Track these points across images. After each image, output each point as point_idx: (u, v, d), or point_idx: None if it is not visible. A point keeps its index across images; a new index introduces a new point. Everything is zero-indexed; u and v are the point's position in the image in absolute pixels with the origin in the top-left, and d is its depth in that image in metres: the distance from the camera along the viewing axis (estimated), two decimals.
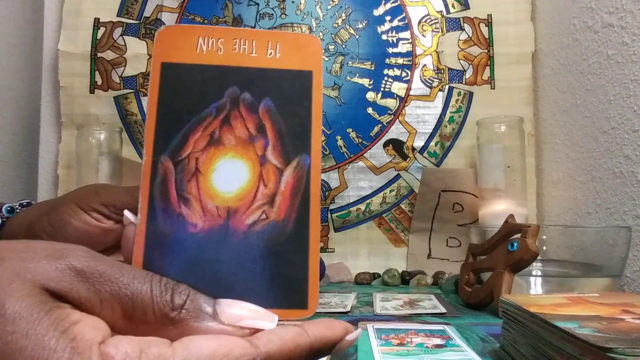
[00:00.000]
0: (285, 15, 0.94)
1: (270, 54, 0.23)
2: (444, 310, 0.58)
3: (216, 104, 0.23)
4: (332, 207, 0.91)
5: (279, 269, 0.22)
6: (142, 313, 0.19)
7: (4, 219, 0.40)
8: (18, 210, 0.41)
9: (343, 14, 0.94)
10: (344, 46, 0.93)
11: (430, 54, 0.93)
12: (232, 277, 0.22)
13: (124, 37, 0.94)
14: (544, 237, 0.64)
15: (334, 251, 0.91)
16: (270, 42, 0.23)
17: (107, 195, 0.34)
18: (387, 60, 0.93)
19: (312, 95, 0.22)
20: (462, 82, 0.92)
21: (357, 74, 0.93)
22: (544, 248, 0.63)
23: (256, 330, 0.21)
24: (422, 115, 0.92)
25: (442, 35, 0.93)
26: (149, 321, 0.19)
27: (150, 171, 0.24)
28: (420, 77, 0.93)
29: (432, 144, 0.92)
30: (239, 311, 0.21)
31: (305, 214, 0.22)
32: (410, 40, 0.93)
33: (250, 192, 0.22)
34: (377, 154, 0.92)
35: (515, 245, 0.55)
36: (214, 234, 0.22)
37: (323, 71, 0.23)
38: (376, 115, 0.92)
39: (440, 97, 0.92)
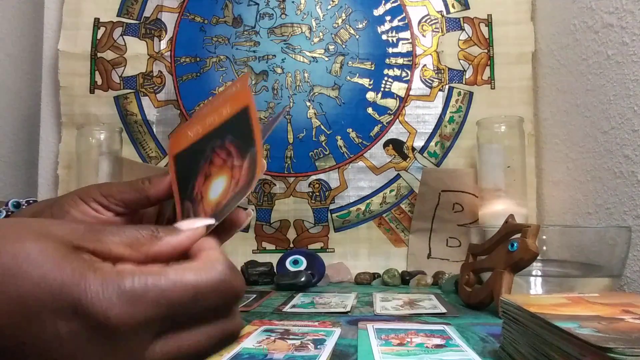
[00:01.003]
0: (285, 15, 0.94)
1: (225, 110, 0.34)
2: (444, 310, 0.58)
3: (203, 157, 0.34)
4: (332, 207, 0.91)
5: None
6: (136, 240, 0.27)
7: (9, 213, 0.41)
8: (24, 206, 0.42)
9: (343, 14, 0.94)
10: (344, 46, 0.93)
11: (430, 54, 0.93)
12: None
13: (124, 37, 0.94)
14: (544, 237, 0.64)
15: (334, 251, 0.91)
16: (222, 101, 0.34)
17: (107, 187, 0.37)
18: (387, 60, 0.93)
19: (250, 117, 0.32)
20: (462, 82, 0.92)
21: (357, 74, 0.93)
22: (544, 248, 0.63)
23: (205, 228, 0.30)
24: (422, 115, 0.92)
25: (442, 35, 0.93)
26: (144, 244, 0.27)
27: (180, 208, 0.35)
28: (420, 77, 0.93)
29: (432, 144, 0.92)
30: (191, 222, 0.30)
31: (250, 178, 0.31)
32: (410, 40, 0.93)
33: (227, 189, 0.32)
34: (377, 154, 0.92)
35: (515, 245, 0.55)
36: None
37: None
38: (376, 115, 0.92)
39: (440, 97, 0.92)
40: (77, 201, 0.36)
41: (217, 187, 0.32)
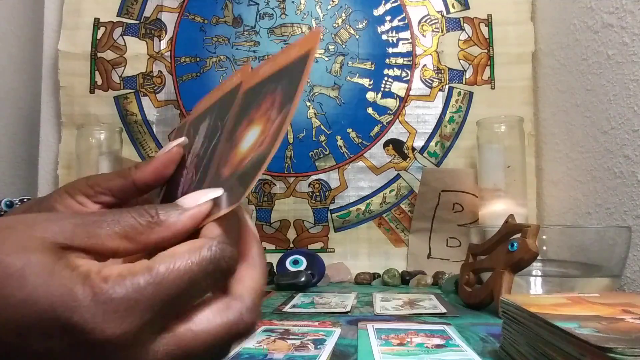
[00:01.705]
0: (285, 15, 0.94)
1: (291, 54, 0.31)
2: (444, 310, 0.58)
3: (258, 100, 0.31)
4: (332, 207, 0.91)
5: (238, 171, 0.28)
6: (132, 229, 0.25)
7: (2, 212, 0.41)
8: (17, 205, 0.42)
9: (343, 14, 0.94)
10: (344, 46, 0.93)
11: (430, 54, 0.93)
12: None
13: (124, 37, 0.94)
14: (544, 237, 0.64)
15: (334, 251, 0.91)
16: (291, 49, 0.31)
17: (94, 177, 0.36)
18: (387, 60, 0.93)
19: (305, 66, 0.28)
20: (462, 82, 0.92)
21: (357, 74, 0.93)
22: (544, 248, 0.63)
23: (214, 203, 0.27)
24: (422, 115, 0.92)
25: (442, 35, 0.93)
26: (141, 232, 0.25)
27: (217, 147, 0.32)
28: (420, 77, 0.93)
29: (432, 144, 0.92)
30: (194, 197, 0.27)
31: (274, 139, 0.27)
32: (410, 40, 0.93)
33: (255, 144, 0.28)
34: (377, 154, 0.92)
35: (515, 245, 0.55)
36: (229, 176, 0.29)
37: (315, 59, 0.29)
38: (376, 115, 0.92)
39: (440, 97, 0.92)
40: (63, 195, 0.35)
41: (250, 137, 0.30)
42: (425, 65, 0.93)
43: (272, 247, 0.91)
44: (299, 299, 0.66)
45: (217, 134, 0.34)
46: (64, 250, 0.23)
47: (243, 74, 0.36)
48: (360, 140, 0.92)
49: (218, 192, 0.27)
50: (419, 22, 0.94)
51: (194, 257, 0.24)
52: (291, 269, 0.80)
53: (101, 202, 0.34)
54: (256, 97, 0.32)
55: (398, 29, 0.94)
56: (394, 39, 0.94)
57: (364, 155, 0.92)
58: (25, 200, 0.42)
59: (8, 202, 0.42)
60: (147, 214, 0.25)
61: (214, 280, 0.24)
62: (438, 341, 0.42)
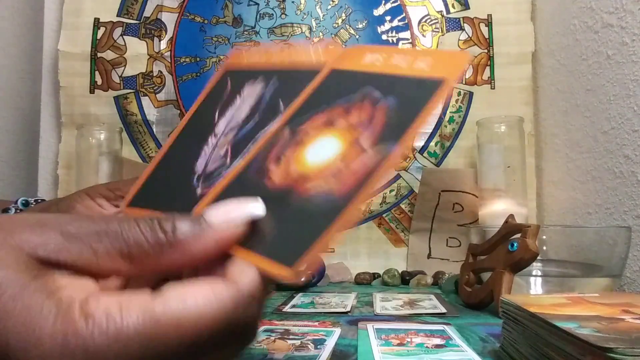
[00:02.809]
0: (285, 15, 0.94)
1: (419, 65, 0.25)
2: (444, 310, 0.58)
3: (347, 97, 0.26)
4: None
5: (300, 228, 0.22)
6: (139, 250, 0.19)
7: (18, 211, 0.41)
8: (32, 204, 0.42)
9: (343, 14, 0.94)
10: (344, 46, 0.93)
11: None
12: (275, 230, 0.22)
13: (124, 37, 0.94)
14: (544, 237, 0.64)
15: (334, 251, 0.91)
16: (425, 57, 0.25)
17: (114, 182, 0.36)
18: None
19: (431, 98, 0.22)
20: (462, 82, 0.92)
21: None
22: (544, 248, 0.63)
23: (249, 223, 0.21)
24: None
25: (442, 35, 0.93)
26: (149, 254, 0.19)
27: (273, 135, 0.27)
28: None
29: (432, 144, 0.92)
30: (227, 211, 0.21)
31: (355, 192, 0.21)
32: (410, 40, 0.93)
33: (330, 166, 0.23)
34: None
35: (515, 245, 0.55)
36: (279, 191, 0.23)
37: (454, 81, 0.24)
38: None
39: None
40: (83, 196, 0.35)
41: (323, 150, 0.23)
42: None
43: None
44: (299, 298, 0.66)
45: (276, 116, 0.28)
46: (44, 267, 0.18)
47: (329, 52, 0.30)
48: None
49: (259, 208, 0.21)
50: (419, 22, 0.94)
51: (209, 312, 0.18)
52: None
53: (118, 206, 0.34)
54: (345, 90, 0.26)
55: (398, 29, 0.94)
56: (394, 39, 0.94)
57: None
58: (39, 200, 0.43)
59: (24, 202, 0.42)
60: (161, 229, 0.20)
61: (224, 345, 0.19)
62: (438, 341, 0.42)
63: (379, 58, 0.27)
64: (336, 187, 0.22)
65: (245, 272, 0.20)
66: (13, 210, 0.41)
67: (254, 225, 0.21)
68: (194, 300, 0.18)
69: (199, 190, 0.28)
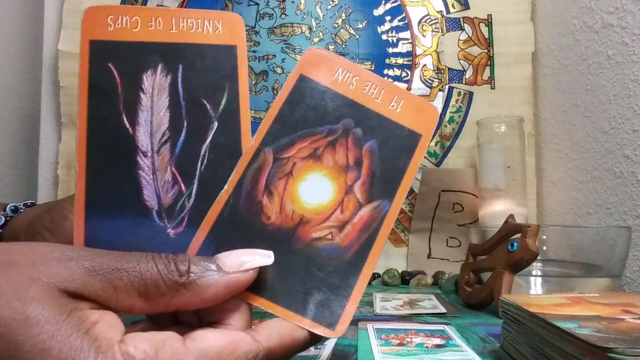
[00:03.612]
0: (285, 15, 0.94)
1: (393, 106, 0.26)
2: (444, 310, 0.58)
3: (330, 127, 0.26)
4: None
5: (323, 286, 0.24)
6: (155, 288, 0.21)
7: (8, 218, 0.40)
8: (22, 210, 0.41)
9: (343, 14, 0.94)
10: (344, 46, 0.93)
11: (430, 54, 0.93)
12: (279, 274, 0.24)
13: None
14: (544, 237, 0.64)
15: None
16: (396, 97, 0.27)
17: None
18: (387, 60, 0.93)
19: (413, 155, 0.25)
20: (462, 82, 0.92)
21: None
22: (544, 248, 0.63)
23: (257, 271, 0.22)
24: None
25: (442, 35, 0.93)
26: (164, 293, 0.21)
27: (252, 156, 0.26)
28: (420, 77, 0.93)
29: (432, 144, 0.92)
30: (238, 258, 0.22)
31: (366, 251, 0.24)
32: (410, 40, 0.93)
33: (327, 212, 0.24)
34: None
35: (515, 245, 0.55)
36: (280, 232, 0.24)
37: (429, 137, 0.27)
38: None
39: (440, 97, 0.92)
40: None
41: (316, 189, 0.24)
42: (425, 65, 0.93)
43: None
44: None
45: (210, 123, 0.26)
46: (74, 300, 0.19)
47: (228, 23, 0.29)
48: None
49: (269, 259, 0.23)
50: (419, 22, 0.94)
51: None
52: None
53: None
54: (323, 113, 0.26)
55: (398, 29, 0.94)
56: (394, 39, 0.94)
57: None
58: (29, 204, 0.42)
59: (13, 207, 0.41)
60: (177, 270, 0.21)
61: None
62: (438, 341, 0.42)
63: (352, 80, 0.27)
64: (340, 239, 0.23)
65: (272, 335, 0.22)
66: (3, 219, 0.40)
67: (261, 270, 0.23)
68: (221, 350, 0.20)
69: (170, 231, 0.25)
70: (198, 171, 0.26)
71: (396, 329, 0.47)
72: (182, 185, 0.26)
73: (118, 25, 0.27)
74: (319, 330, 0.23)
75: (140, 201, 0.25)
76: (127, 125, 0.26)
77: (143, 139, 0.26)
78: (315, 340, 0.24)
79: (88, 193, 0.25)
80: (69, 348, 0.18)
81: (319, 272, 0.24)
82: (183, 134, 0.26)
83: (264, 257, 0.23)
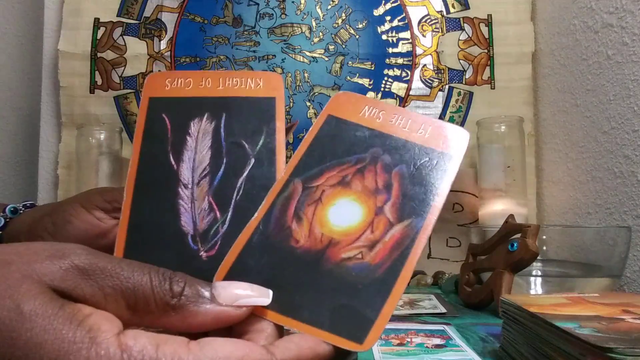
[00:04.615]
0: (285, 15, 0.94)
1: (421, 132, 0.27)
2: (444, 310, 0.58)
3: (358, 156, 0.27)
4: None
5: (352, 302, 0.24)
6: (144, 303, 0.20)
7: (7, 219, 0.40)
8: (21, 211, 0.41)
9: (343, 14, 0.94)
10: (344, 46, 0.93)
11: (430, 54, 0.93)
12: (308, 295, 0.24)
13: (124, 37, 0.94)
14: (544, 237, 0.64)
15: None
16: (424, 124, 0.28)
17: (110, 192, 0.35)
18: (387, 60, 0.93)
19: (445, 176, 0.25)
20: (462, 82, 0.92)
21: (357, 74, 0.93)
22: (544, 248, 0.63)
23: (251, 309, 0.22)
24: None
25: (442, 35, 0.93)
26: (152, 310, 0.20)
27: (282, 186, 0.27)
28: (420, 77, 0.93)
29: None
30: (235, 292, 0.22)
31: (398, 268, 0.24)
32: (410, 40, 0.93)
33: (356, 233, 0.25)
34: None
35: (515, 245, 0.55)
36: (309, 254, 0.25)
37: (462, 156, 0.27)
38: None
39: (440, 97, 0.92)
40: (79, 209, 0.34)
41: (345, 213, 0.25)
42: (425, 65, 0.93)
43: None
44: None
45: (247, 159, 0.29)
46: (64, 298, 0.19)
47: (268, 79, 0.31)
48: None
49: (267, 300, 0.22)
50: (419, 22, 0.94)
51: None
52: None
53: (119, 218, 0.33)
54: (351, 145, 0.27)
55: (398, 29, 0.94)
56: (394, 39, 0.94)
57: None
58: (28, 205, 0.42)
59: (12, 209, 0.41)
60: (170, 290, 0.21)
61: None
62: (438, 341, 0.42)
63: (378, 114, 0.29)
64: (370, 258, 0.24)
65: (289, 348, 0.21)
66: (2, 220, 0.40)
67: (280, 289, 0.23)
68: (226, 357, 0.19)
69: (203, 254, 0.27)
70: (233, 201, 0.28)
71: (396, 329, 0.47)
72: (218, 213, 0.28)
73: (174, 85, 0.31)
74: (345, 344, 0.23)
75: (178, 226, 0.28)
76: (173, 162, 0.29)
77: (185, 173, 0.29)
78: (341, 355, 0.23)
79: (132, 217, 0.28)
80: (62, 340, 0.18)
81: (349, 289, 0.24)
82: (222, 169, 0.29)
83: (260, 297, 0.22)
